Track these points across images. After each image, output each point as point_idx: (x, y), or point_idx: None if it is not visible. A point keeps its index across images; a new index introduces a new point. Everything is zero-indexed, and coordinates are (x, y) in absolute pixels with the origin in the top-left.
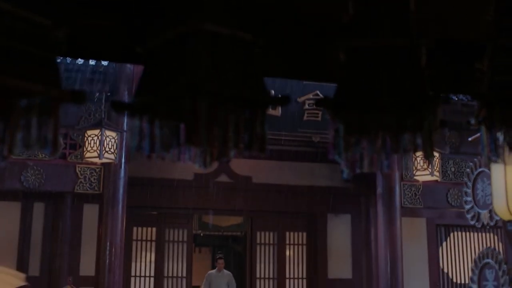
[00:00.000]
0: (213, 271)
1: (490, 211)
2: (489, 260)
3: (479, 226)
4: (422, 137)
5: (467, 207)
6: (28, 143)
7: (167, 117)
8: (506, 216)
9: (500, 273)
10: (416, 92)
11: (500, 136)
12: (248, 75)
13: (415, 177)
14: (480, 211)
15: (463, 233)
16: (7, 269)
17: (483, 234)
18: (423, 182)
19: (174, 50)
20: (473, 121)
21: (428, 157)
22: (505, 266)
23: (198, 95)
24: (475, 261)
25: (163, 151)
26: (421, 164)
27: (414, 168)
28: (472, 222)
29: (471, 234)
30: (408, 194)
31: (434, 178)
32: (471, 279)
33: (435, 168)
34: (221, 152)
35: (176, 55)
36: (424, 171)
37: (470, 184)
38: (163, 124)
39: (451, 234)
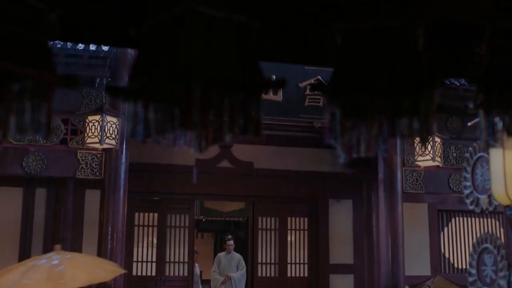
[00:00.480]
0: (222, 253)
1: (489, 196)
2: (488, 245)
3: (478, 211)
4: (418, 121)
5: (466, 192)
6: (22, 127)
7: (161, 101)
8: (504, 201)
9: (499, 258)
10: (413, 76)
11: (498, 120)
12: (243, 58)
13: (417, 163)
14: (479, 196)
15: (465, 219)
16: (102, 260)
17: (485, 220)
18: (425, 167)
19: (168, 33)
20: (471, 105)
21: (424, 142)
22: (503, 251)
23: (192, 78)
24: (473, 246)
25: (157, 135)
26: (423, 149)
27: (415, 153)
28: (471, 207)
29: (473, 219)
30: (409, 180)
31: (436, 163)
32: (470, 264)
33: (436, 153)
34: (216, 136)
35: (170, 38)
36: (426, 157)
37: (469, 169)
38: (157, 108)
39: (453, 220)
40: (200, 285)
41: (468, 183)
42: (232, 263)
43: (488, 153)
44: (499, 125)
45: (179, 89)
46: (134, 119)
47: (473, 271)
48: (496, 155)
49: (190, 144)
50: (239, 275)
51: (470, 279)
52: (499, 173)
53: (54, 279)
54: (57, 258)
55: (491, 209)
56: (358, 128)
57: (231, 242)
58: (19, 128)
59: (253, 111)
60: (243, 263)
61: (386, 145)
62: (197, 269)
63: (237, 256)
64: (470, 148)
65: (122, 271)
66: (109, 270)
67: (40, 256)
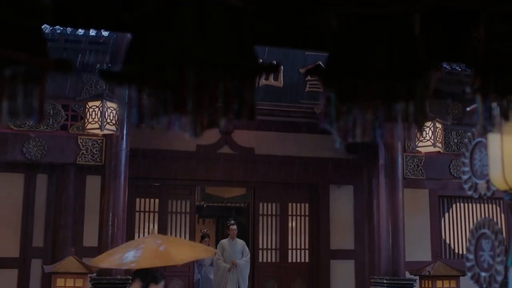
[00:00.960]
0: (225, 240)
1: (487, 182)
2: (486, 230)
3: (476, 196)
4: (414, 106)
5: (465, 177)
6: (14, 112)
7: (155, 85)
8: (502, 186)
9: (496, 243)
10: (409, 61)
11: (496, 105)
12: (237, 43)
13: (418, 148)
14: (477, 181)
15: (466, 204)
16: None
17: (485, 205)
18: (426, 153)
19: (162, 17)
20: (468, 90)
21: (420, 127)
22: (501, 236)
23: (185, 62)
24: (471, 232)
25: (151, 120)
26: (424, 135)
27: (416, 139)
28: (469, 193)
29: (473, 205)
30: (410, 165)
31: (437, 149)
32: (468, 249)
33: (437, 139)
34: (211, 121)
35: (163, 22)
36: (427, 142)
37: (467, 154)
38: (150, 92)
39: (454, 206)
40: (212, 268)
41: (467, 169)
42: (236, 249)
43: (486, 139)
44: (496, 110)
45: (173, 73)
46: (127, 104)
47: (471, 256)
48: (494, 140)
49: (185, 129)
50: (244, 262)
51: (468, 264)
52: (497, 158)
53: (161, 255)
54: (158, 238)
55: (489, 194)
56: (354, 112)
57: (235, 227)
58: (11, 112)
59: (247, 95)
60: (247, 249)
61: (382, 130)
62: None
63: (241, 242)
64: (469, 134)
65: (215, 250)
66: (205, 248)
67: (141, 238)
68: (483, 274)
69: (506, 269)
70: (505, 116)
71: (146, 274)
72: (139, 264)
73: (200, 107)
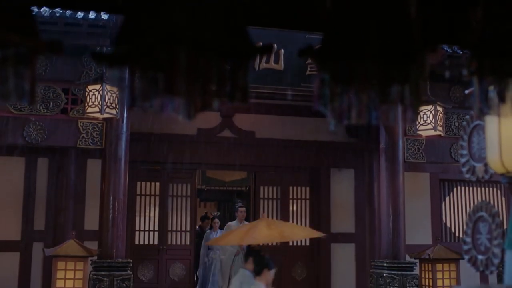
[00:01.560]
0: (233, 222)
1: (485, 165)
2: (483, 214)
3: (474, 179)
4: (409, 88)
5: (463, 160)
6: (5, 94)
7: (147, 67)
8: (499, 169)
9: (494, 226)
10: (404, 42)
11: (492, 88)
12: (230, 24)
13: (419, 132)
14: (475, 164)
15: (466, 188)
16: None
17: (486, 189)
18: (426, 136)
19: None
20: (465, 72)
21: (415, 109)
22: (498, 219)
23: (176, 44)
24: (469, 215)
25: (143, 102)
26: (424, 118)
27: (417, 122)
28: (467, 176)
29: (474, 188)
30: (411, 149)
31: (438, 132)
32: (465, 233)
33: (438, 122)
34: (204, 103)
35: (155, 3)
36: (427, 126)
37: (466, 137)
38: (142, 74)
39: (454, 189)
40: (220, 251)
41: (465, 152)
42: None
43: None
44: (493, 92)
45: (164, 55)
46: (119, 86)
47: (468, 239)
48: (491, 123)
49: (178, 111)
50: None
51: (465, 247)
52: (494, 141)
53: (277, 234)
54: (270, 221)
55: (487, 177)
56: (348, 94)
57: (244, 209)
58: (2, 95)
59: (240, 78)
60: None
61: (378, 112)
62: (213, 236)
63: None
64: (467, 116)
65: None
66: (312, 230)
67: (253, 222)
68: (480, 257)
69: (503, 252)
70: (501, 98)
71: (262, 259)
72: (257, 240)
73: (192, 89)
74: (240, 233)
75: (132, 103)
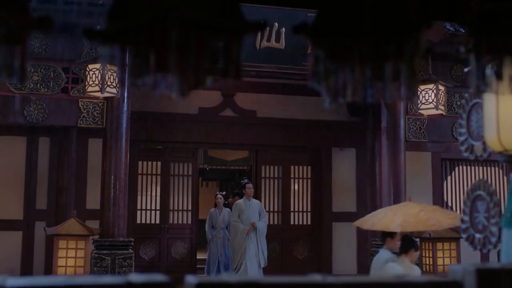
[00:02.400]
0: (241, 200)
1: (484, 143)
2: (481, 192)
3: (473, 158)
4: (404, 64)
5: (461, 139)
6: None
7: (139, 44)
8: (496, 147)
9: (491, 205)
10: (399, 18)
11: (489, 65)
12: (223, 1)
13: (420, 111)
14: (474, 143)
15: (468, 167)
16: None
17: (488, 168)
18: (428, 116)
19: None
20: (462, 50)
21: (411, 86)
22: (496, 198)
23: (168, 21)
24: (467, 193)
25: (135, 79)
26: (426, 97)
27: (419, 101)
28: (465, 154)
29: (476, 168)
30: (413, 128)
31: (439, 111)
32: (463, 211)
33: (440, 101)
34: (197, 80)
35: None
36: (429, 105)
37: (464, 115)
38: (134, 51)
39: (456, 168)
40: (226, 231)
41: (463, 130)
42: (254, 210)
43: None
44: (490, 70)
45: (156, 32)
46: (110, 63)
47: (466, 218)
48: (489, 101)
49: (171, 89)
50: (263, 223)
51: (463, 226)
52: (491, 119)
53: (423, 221)
54: (416, 205)
55: (485, 156)
56: (343, 72)
57: (251, 185)
58: None
59: (233, 55)
60: (264, 210)
61: (373, 90)
62: (225, 214)
63: (257, 202)
64: (466, 95)
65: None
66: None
67: (397, 205)
68: (477, 235)
69: (500, 230)
70: (498, 76)
71: (410, 240)
72: (404, 228)
73: (185, 66)
74: (382, 216)
75: (123, 80)
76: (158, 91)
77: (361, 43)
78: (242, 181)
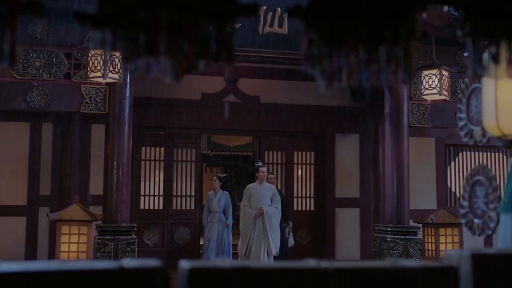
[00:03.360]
0: (253, 184)
1: (483, 128)
2: (480, 177)
3: (472, 143)
4: (398, 48)
5: (461, 124)
6: None
7: (129, 27)
8: (495, 132)
9: (490, 190)
10: (394, 1)
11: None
12: None
13: (424, 96)
14: (473, 128)
15: (472, 153)
16: None
17: (492, 154)
18: (432, 101)
19: None
20: (459, 34)
21: (406, 70)
22: (495, 183)
23: (158, 4)
24: (466, 179)
25: (125, 63)
26: (430, 82)
27: (422, 87)
28: (465, 140)
29: (480, 153)
30: (416, 114)
31: (443, 97)
32: (462, 197)
33: (444, 87)
34: (190, 64)
35: None
36: (433, 90)
37: (464, 100)
38: (125, 35)
39: (460, 154)
40: (223, 215)
41: (463, 115)
42: (265, 195)
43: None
44: (486, 53)
45: (146, 15)
46: (101, 47)
47: (465, 203)
48: (488, 86)
49: (164, 72)
50: (273, 209)
51: (462, 211)
52: (490, 103)
53: None
54: None
55: (484, 141)
56: (336, 55)
57: (265, 169)
58: None
59: (226, 38)
60: (278, 196)
61: (368, 74)
62: (220, 198)
63: (270, 186)
64: (466, 79)
65: None
66: None
67: None
68: (476, 221)
69: (498, 215)
70: (495, 60)
71: None
72: None
73: (175, 50)
74: None
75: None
76: (150, 75)
77: (355, 26)
78: (256, 164)
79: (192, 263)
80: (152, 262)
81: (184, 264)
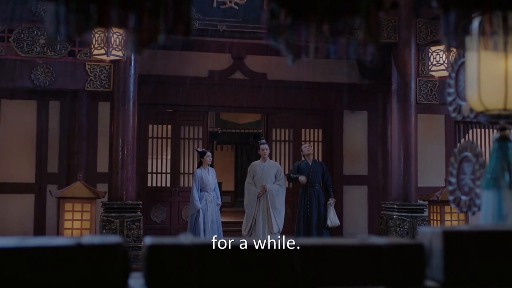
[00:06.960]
0: (257, 161)
1: None
2: (468, 153)
3: (460, 118)
4: (360, 19)
5: (450, 99)
6: None
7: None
8: (477, 107)
9: (477, 166)
10: None
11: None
12: None
13: (431, 73)
14: (461, 103)
15: (482, 130)
16: None
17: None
18: (439, 77)
19: None
20: (434, 4)
21: (370, 42)
22: (482, 159)
23: None
24: (454, 154)
25: (77, 35)
26: (437, 59)
27: (430, 63)
28: (453, 115)
29: (490, 130)
30: (424, 90)
31: None
32: (450, 173)
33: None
34: (149, 36)
35: None
36: (440, 67)
37: (453, 75)
38: (76, 7)
39: (470, 131)
40: (215, 195)
41: (451, 90)
42: (269, 172)
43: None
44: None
45: None
46: (55, 19)
47: (453, 179)
48: (471, 59)
49: (125, 45)
50: (277, 186)
51: (450, 188)
52: (473, 78)
53: None
54: None
55: (472, 116)
56: (298, 27)
57: (266, 146)
58: None
59: (183, 9)
60: (282, 173)
61: (336, 47)
62: (206, 175)
63: (274, 164)
64: (455, 53)
65: None
66: None
67: None
68: (463, 197)
69: None
70: (466, 31)
71: None
72: None
73: (125, 22)
74: None
75: (68, 36)
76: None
77: None
78: (258, 141)
79: (154, 239)
80: (111, 239)
81: (147, 240)
